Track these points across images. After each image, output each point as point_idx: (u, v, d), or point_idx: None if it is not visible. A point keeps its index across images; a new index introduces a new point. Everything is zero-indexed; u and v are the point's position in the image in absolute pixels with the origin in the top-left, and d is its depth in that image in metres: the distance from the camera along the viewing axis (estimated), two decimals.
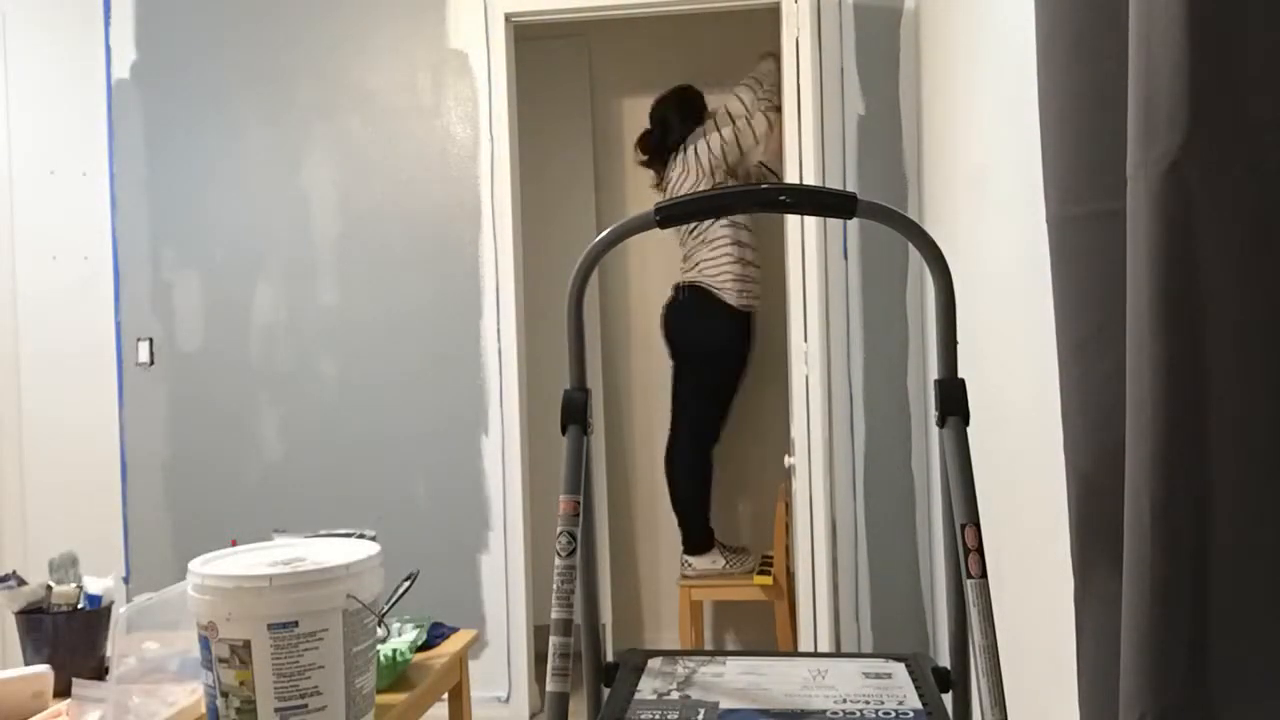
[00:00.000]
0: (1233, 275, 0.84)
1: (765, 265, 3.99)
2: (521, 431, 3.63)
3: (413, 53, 3.68)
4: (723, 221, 3.83)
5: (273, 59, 3.74)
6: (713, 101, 4.05)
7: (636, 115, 4.40)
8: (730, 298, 3.84)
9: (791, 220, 3.19)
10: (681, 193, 3.85)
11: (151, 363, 3.79)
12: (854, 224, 3.49)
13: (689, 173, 3.85)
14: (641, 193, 4.40)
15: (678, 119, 3.98)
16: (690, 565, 3.94)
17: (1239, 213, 0.84)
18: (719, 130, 3.83)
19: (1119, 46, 0.94)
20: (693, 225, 3.86)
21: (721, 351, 3.93)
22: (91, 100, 3.83)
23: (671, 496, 4.07)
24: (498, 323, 3.63)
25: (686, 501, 3.98)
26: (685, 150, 3.87)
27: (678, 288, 3.93)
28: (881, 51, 3.46)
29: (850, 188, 3.49)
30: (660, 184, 4.04)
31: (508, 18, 3.61)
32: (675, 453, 4.04)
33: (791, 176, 3.19)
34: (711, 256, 3.85)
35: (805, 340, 3.16)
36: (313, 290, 3.73)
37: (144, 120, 3.81)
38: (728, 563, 3.96)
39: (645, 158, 4.10)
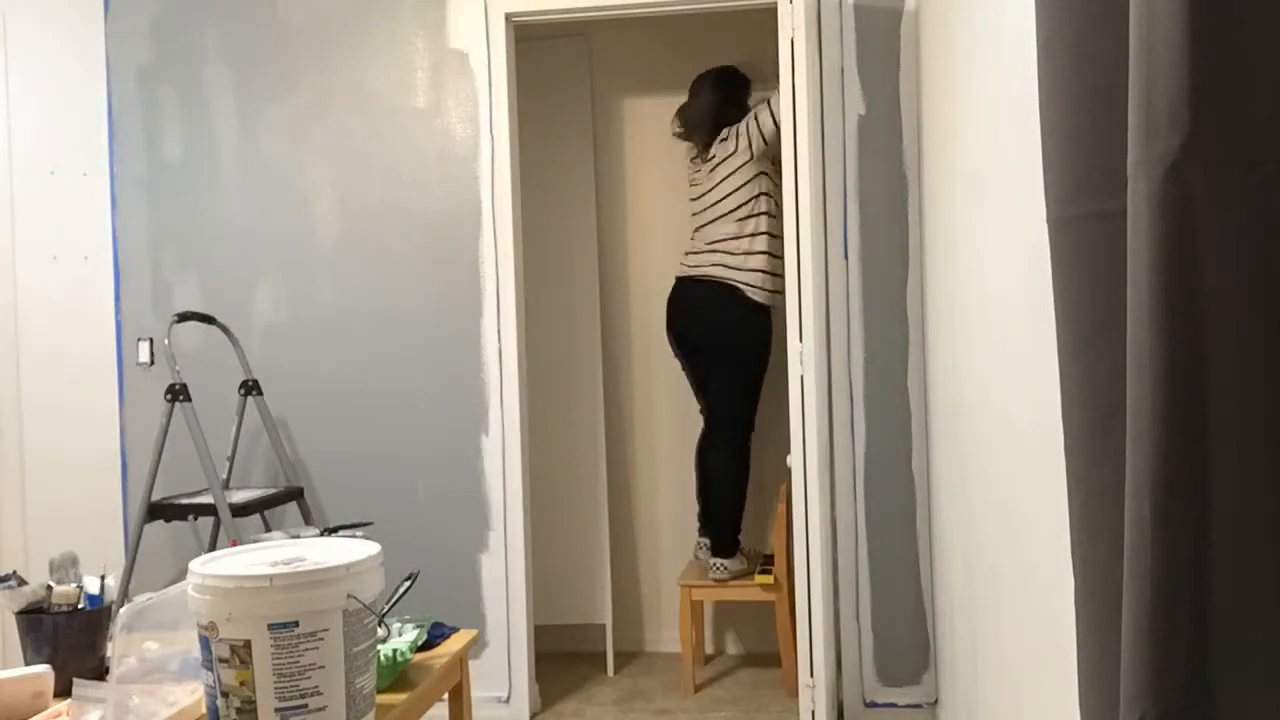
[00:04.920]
0: (1232, 275, 0.84)
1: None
2: (521, 431, 3.63)
3: (413, 53, 3.68)
4: (763, 209, 3.80)
5: (273, 59, 3.74)
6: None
7: (637, 115, 4.41)
8: (759, 295, 3.80)
9: (789, 221, 3.19)
10: (729, 168, 3.81)
11: (151, 363, 3.80)
12: (854, 224, 3.49)
13: (738, 148, 3.80)
14: (642, 193, 4.40)
15: (721, 95, 3.94)
16: (724, 568, 3.85)
17: (1239, 212, 0.84)
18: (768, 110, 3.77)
19: (1119, 46, 0.94)
20: (715, 196, 3.84)
21: (750, 345, 3.85)
22: (92, 100, 3.83)
23: (701, 491, 4.02)
24: (498, 323, 3.63)
25: (725, 503, 3.89)
26: (740, 123, 3.82)
27: (700, 280, 3.85)
28: (881, 51, 3.46)
29: (850, 188, 3.49)
30: (701, 157, 3.96)
31: (508, 18, 3.62)
32: (707, 451, 3.98)
33: (788, 176, 3.20)
34: (744, 248, 3.80)
35: (800, 340, 3.17)
36: (313, 290, 3.73)
37: (144, 120, 3.81)
38: (748, 562, 3.96)
39: (682, 129, 4.04)
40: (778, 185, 3.80)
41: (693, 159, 4.03)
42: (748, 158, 3.79)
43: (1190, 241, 0.84)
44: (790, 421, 3.19)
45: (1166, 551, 0.87)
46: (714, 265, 3.83)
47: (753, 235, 3.80)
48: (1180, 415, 0.86)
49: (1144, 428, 0.87)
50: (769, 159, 3.80)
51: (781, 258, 3.73)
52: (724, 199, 3.83)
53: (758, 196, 3.81)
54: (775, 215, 3.81)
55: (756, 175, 3.81)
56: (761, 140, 3.76)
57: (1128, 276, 0.90)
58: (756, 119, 3.77)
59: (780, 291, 3.70)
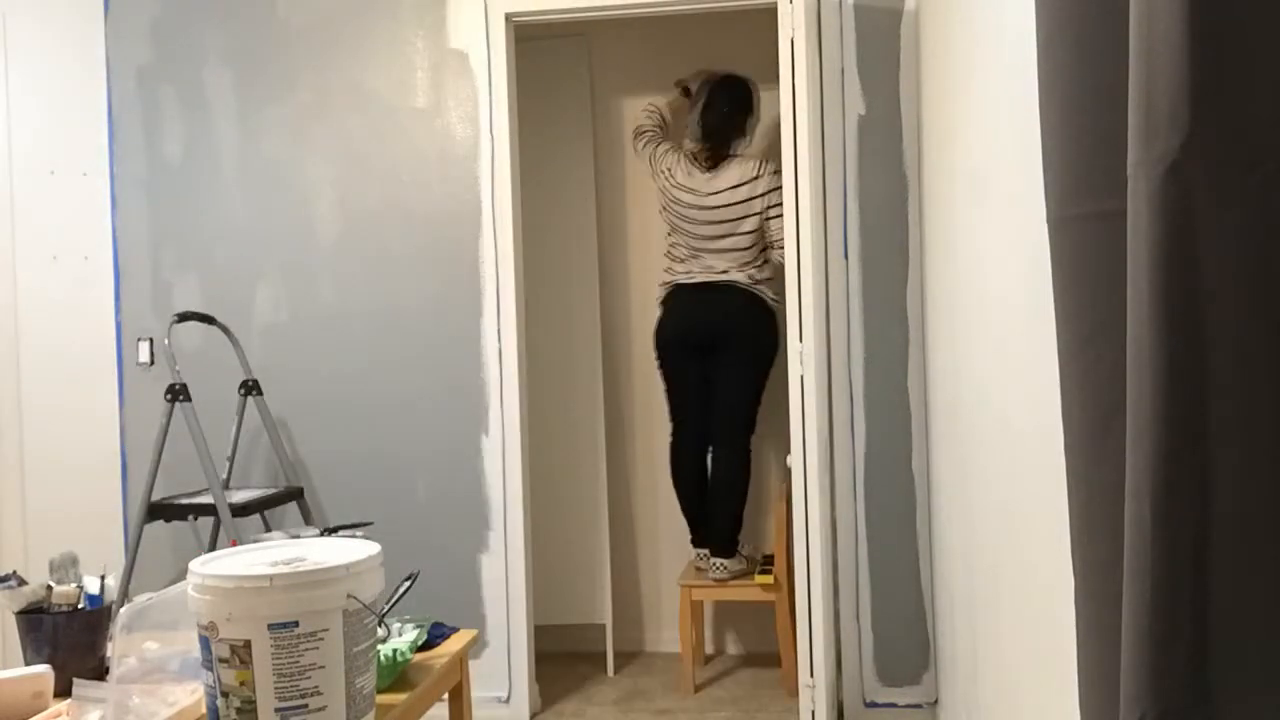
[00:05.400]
0: (1232, 275, 0.84)
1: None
2: (521, 431, 3.63)
3: (413, 53, 3.68)
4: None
5: (273, 59, 3.74)
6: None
7: (636, 115, 4.40)
8: (771, 296, 3.87)
9: (789, 221, 3.19)
10: (743, 195, 3.80)
11: (151, 363, 3.79)
12: (854, 224, 3.49)
13: (754, 193, 3.81)
14: (642, 192, 4.40)
15: (743, 109, 3.93)
16: (724, 568, 3.87)
17: (1239, 212, 0.84)
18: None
19: (1119, 46, 0.94)
20: (726, 215, 3.84)
21: (769, 345, 3.89)
22: (92, 100, 3.83)
23: (694, 499, 4.02)
24: (498, 323, 3.63)
25: (731, 502, 3.90)
26: (764, 182, 3.80)
27: (715, 285, 3.87)
28: (881, 51, 3.46)
29: (850, 188, 3.49)
30: (702, 165, 3.89)
31: (508, 18, 3.62)
32: (704, 455, 3.98)
33: (788, 176, 3.19)
34: (757, 257, 3.87)
35: (800, 340, 3.17)
36: (313, 290, 3.73)
37: (144, 120, 3.81)
38: (748, 561, 3.97)
39: (703, 140, 3.92)
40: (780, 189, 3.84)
41: (690, 156, 3.95)
42: (756, 200, 3.83)
43: (1190, 241, 0.84)
44: (790, 421, 3.19)
45: (1166, 551, 0.86)
46: (734, 271, 3.86)
47: (769, 244, 3.87)
48: (1180, 415, 0.86)
49: (1144, 428, 0.87)
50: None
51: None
52: (737, 220, 3.83)
53: (766, 212, 3.85)
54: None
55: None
56: (771, 235, 3.84)
57: (1128, 276, 0.90)
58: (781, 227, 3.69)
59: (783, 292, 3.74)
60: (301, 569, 1.69)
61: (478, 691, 3.43)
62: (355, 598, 1.70)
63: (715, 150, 3.90)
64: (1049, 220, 1.12)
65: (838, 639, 3.47)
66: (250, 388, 3.56)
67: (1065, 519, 1.12)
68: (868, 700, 3.48)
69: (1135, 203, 0.88)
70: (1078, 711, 1.12)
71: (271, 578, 1.65)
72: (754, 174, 3.81)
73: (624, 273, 4.43)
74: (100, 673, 1.94)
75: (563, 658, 4.19)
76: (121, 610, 1.75)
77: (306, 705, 1.65)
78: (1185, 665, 0.86)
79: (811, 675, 3.19)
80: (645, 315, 4.36)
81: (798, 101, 3.16)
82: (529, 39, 3.93)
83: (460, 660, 2.30)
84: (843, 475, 3.48)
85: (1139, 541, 0.88)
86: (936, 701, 3.41)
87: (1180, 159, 0.84)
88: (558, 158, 4.32)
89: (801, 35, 3.16)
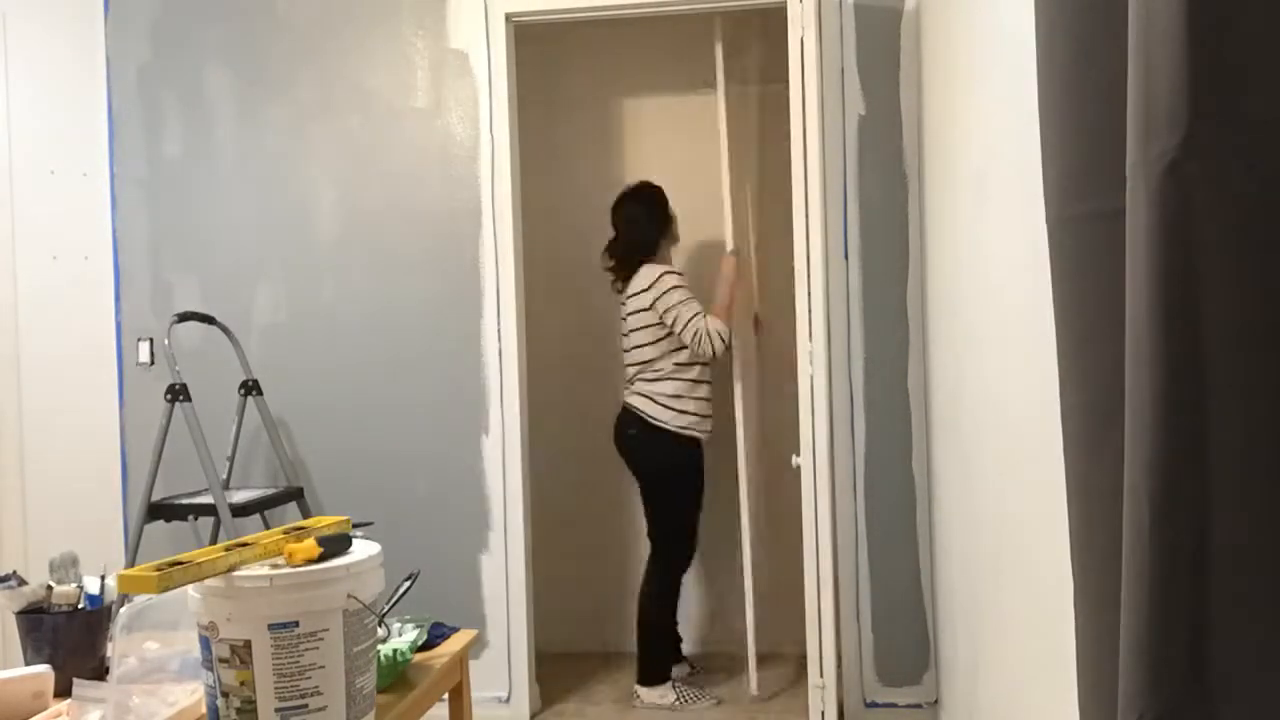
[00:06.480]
0: (1232, 274, 0.84)
1: (768, 278, 3.98)
2: (521, 431, 3.63)
3: (413, 53, 3.68)
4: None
5: (273, 59, 3.74)
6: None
7: (637, 115, 4.41)
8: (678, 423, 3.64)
9: (797, 221, 3.18)
10: (642, 322, 3.64)
11: (151, 363, 3.79)
12: (854, 224, 3.49)
13: (658, 320, 3.62)
14: None
15: (645, 218, 3.74)
16: (638, 697, 3.71)
17: (1238, 212, 0.84)
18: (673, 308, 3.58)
19: (1119, 46, 0.94)
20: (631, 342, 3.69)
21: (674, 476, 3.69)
22: (92, 100, 3.83)
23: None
24: (498, 323, 3.63)
25: (646, 628, 3.72)
26: (654, 288, 3.61)
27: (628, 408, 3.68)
28: (881, 51, 3.46)
29: (850, 188, 3.49)
30: (620, 289, 3.76)
31: (508, 18, 3.61)
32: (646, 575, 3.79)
33: (797, 176, 3.19)
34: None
35: (810, 340, 3.17)
36: (313, 290, 3.73)
37: (144, 120, 3.81)
38: (678, 698, 3.69)
39: (613, 263, 3.79)
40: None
41: (616, 289, 3.82)
42: (663, 333, 3.63)
43: (1189, 241, 0.84)
44: (800, 421, 3.18)
45: (1166, 551, 0.86)
46: (628, 391, 3.72)
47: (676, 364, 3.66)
48: (1180, 415, 0.86)
49: (1144, 427, 0.87)
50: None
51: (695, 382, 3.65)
52: (638, 329, 3.66)
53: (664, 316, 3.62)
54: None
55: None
56: (703, 351, 3.58)
57: (1127, 276, 0.90)
58: (707, 335, 3.55)
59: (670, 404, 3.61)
60: (301, 569, 1.69)
61: (478, 691, 3.43)
62: (355, 598, 1.70)
63: (624, 266, 3.75)
64: (1049, 220, 1.12)
65: (838, 639, 3.46)
66: (250, 388, 3.56)
67: (1065, 519, 1.12)
68: (868, 700, 3.48)
69: (1134, 202, 0.88)
70: (1078, 712, 1.12)
71: (271, 578, 1.65)
72: (652, 316, 3.62)
73: None
74: (100, 673, 1.94)
75: (563, 658, 4.19)
76: (121, 610, 1.75)
77: (306, 705, 1.65)
78: (1185, 665, 0.86)
79: (821, 675, 3.19)
80: None
81: (807, 100, 3.16)
82: (529, 39, 3.93)
83: (460, 660, 2.30)
84: (843, 475, 3.48)
85: (1138, 542, 0.88)
86: (936, 701, 3.41)
87: (1179, 158, 0.84)
88: (558, 158, 4.32)
89: (812, 34, 3.16)
